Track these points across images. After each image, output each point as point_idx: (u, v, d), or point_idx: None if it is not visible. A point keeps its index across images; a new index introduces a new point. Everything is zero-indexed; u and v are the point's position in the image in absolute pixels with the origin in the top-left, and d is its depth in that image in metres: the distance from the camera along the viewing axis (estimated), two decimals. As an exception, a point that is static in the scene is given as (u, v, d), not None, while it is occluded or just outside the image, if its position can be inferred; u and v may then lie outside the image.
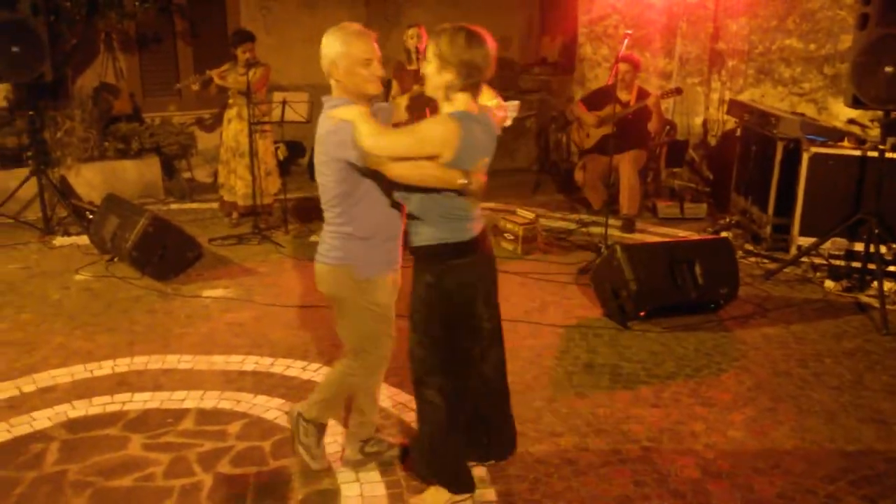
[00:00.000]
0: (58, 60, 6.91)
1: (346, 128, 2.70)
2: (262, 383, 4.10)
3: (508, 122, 3.12)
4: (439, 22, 7.54)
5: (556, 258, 6.14)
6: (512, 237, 6.26)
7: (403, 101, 3.78)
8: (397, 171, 2.71)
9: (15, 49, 6.16)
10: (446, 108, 2.79)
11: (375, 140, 2.67)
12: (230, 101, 6.89)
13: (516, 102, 3.64)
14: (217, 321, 4.95)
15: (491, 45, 2.75)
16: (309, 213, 7.27)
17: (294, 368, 4.27)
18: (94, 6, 7.28)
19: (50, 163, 7.13)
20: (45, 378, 4.12)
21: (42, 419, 3.69)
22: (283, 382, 4.11)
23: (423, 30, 6.61)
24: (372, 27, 9.34)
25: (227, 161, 6.96)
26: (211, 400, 3.92)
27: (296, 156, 8.97)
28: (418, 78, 6.56)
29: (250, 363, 4.34)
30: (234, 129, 6.85)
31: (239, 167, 6.84)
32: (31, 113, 6.76)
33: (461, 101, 2.76)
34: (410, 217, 2.86)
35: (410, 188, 2.77)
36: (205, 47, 8.76)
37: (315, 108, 6.80)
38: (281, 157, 6.99)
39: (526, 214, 6.35)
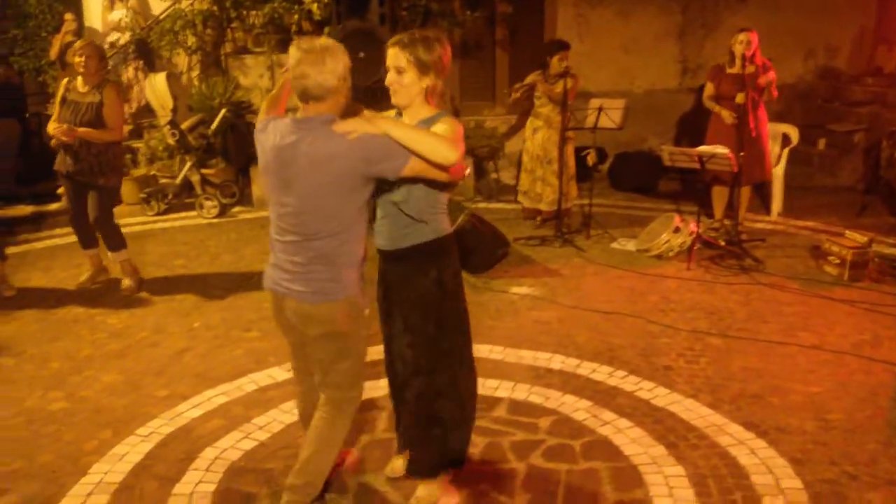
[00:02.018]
0: (393, 65, 7.54)
1: (372, 141, 2.55)
2: (569, 383, 4.15)
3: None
4: (761, 29, 7.09)
5: (889, 288, 5.50)
6: (837, 261, 5.72)
7: None
8: (436, 173, 2.68)
9: (361, 54, 6.82)
10: (426, 111, 2.81)
11: (454, 147, 2.61)
12: (537, 109, 7.01)
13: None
14: (524, 317, 5.10)
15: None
16: (609, 218, 7.27)
17: (600, 373, 4.27)
18: (429, 15, 7.86)
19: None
20: (379, 352, 4.50)
21: (377, 389, 4.02)
22: (589, 385, 4.12)
23: (755, 35, 6.28)
24: (687, 34, 9.04)
25: (533, 169, 7.12)
26: (521, 392, 4.05)
27: (599, 162, 8.97)
28: (738, 83, 6.28)
29: (557, 362, 4.42)
30: (541, 137, 6.97)
31: (547, 174, 6.99)
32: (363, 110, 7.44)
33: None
34: (405, 219, 2.83)
35: (413, 188, 2.77)
36: (520, 54, 9.09)
37: (628, 115, 6.77)
38: (590, 163, 7.02)
39: (857, 237, 5.77)
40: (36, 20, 9.48)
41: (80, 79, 5.38)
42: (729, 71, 6.51)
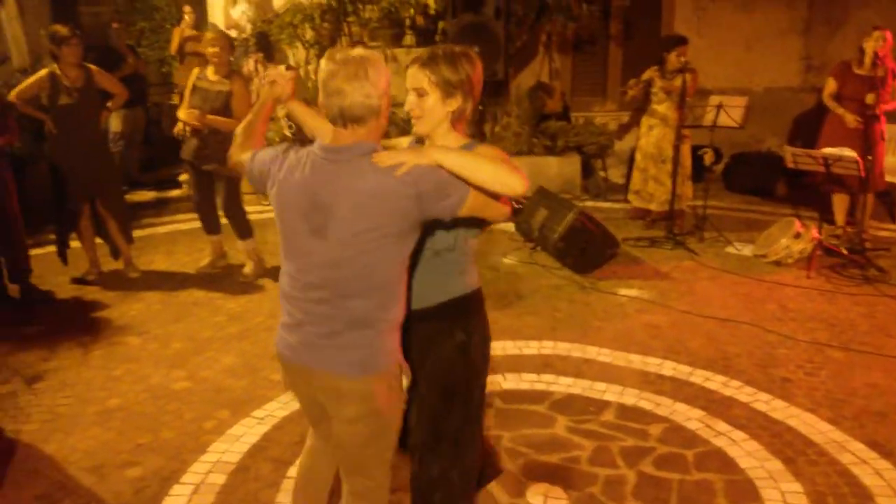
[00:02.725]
0: (507, 60, 7.54)
1: (426, 176, 2.06)
2: (681, 391, 4.05)
3: None
4: (893, 25, 6.69)
5: None
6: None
7: None
8: (496, 210, 2.21)
9: (476, 49, 6.84)
10: (453, 140, 2.34)
11: (518, 173, 2.12)
12: (653, 106, 6.83)
13: None
14: (633, 320, 5.01)
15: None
16: (723, 221, 7.04)
17: (714, 382, 4.14)
18: (543, 9, 7.80)
19: (487, 154, 7.83)
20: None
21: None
22: (703, 394, 4.01)
23: (889, 35, 5.95)
24: (812, 30, 8.62)
25: (646, 168, 6.95)
26: (630, 397, 3.98)
27: (715, 162, 8.70)
28: (866, 84, 5.96)
29: (668, 368, 4.31)
30: (656, 135, 6.79)
31: (661, 174, 6.81)
32: (479, 108, 7.47)
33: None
34: (436, 271, 2.39)
35: (459, 233, 2.33)
36: (634, 50, 8.91)
37: (750, 113, 6.52)
38: (708, 163, 6.81)
39: None
40: (162, 13, 9.95)
41: (210, 68, 5.59)
42: (856, 71, 6.19)
